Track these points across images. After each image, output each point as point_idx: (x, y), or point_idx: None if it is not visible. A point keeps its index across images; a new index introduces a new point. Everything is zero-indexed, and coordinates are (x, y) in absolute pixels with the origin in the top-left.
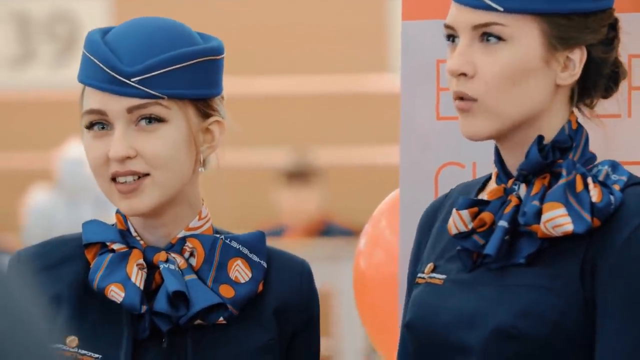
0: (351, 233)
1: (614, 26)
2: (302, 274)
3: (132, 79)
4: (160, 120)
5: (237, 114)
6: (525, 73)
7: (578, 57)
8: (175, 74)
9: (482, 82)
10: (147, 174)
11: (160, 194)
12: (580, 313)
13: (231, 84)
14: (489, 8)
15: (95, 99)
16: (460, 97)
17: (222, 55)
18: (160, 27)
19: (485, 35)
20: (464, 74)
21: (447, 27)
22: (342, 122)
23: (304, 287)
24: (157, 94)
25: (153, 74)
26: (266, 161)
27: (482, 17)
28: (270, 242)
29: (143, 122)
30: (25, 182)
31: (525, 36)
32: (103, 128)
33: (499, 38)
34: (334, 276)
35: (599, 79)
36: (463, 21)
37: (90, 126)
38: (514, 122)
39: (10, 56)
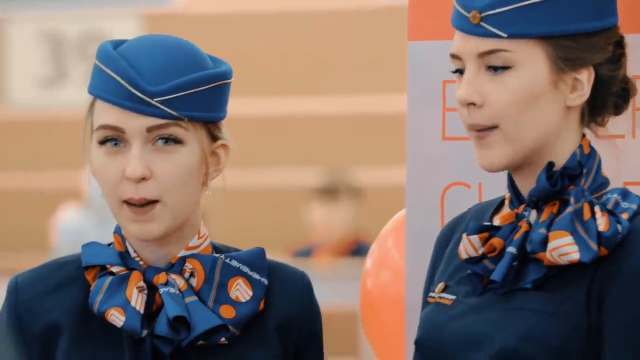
0: None
1: (620, 43)
2: (302, 286)
3: (155, 99)
4: (177, 141)
5: (271, 134)
6: (534, 98)
7: (586, 77)
8: (195, 97)
9: (493, 110)
10: (157, 201)
11: (171, 219)
12: (584, 340)
13: (265, 104)
14: (492, 35)
15: (112, 115)
16: (476, 129)
17: (231, 80)
18: (177, 47)
19: (492, 67)
20: (473, 104)
21: (453, 56)
22: (374, 142)
23: (304, 299)
24: (178, 115)
25: (176, 95)
26: (298, 181)
27: (486, 44)
28: (300, 262)
29: (160, 142)
30: (55, 202)
31: (531, 61)
32: (116, 144)
33: (506, 66)
34: None
35: (608, 98)
36: (467, 49)
37: (103, 141)
38: (529, 150)
39: (42, 76)
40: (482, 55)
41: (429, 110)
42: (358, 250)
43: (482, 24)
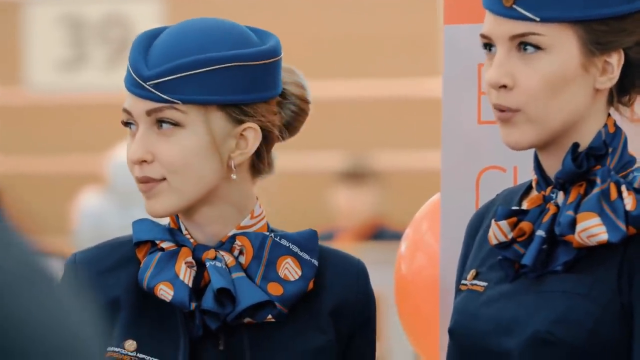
0: None
1: None
2: (358, 273)
3: (148, 83)
4: (176, 124)
5: None
6: (564, 81)
7: (616, 60)
8: (195, 79)
9: (522, 93)
10: (164, 179)
11: (177, 198)
12: (617, 320)
13: None
14: (525, 18)
15: (127, 99)
16: (500, 109)
17: (267, 60)
18: (201, 29)
19: (523, 44)
20: (504, 86)
21: (483, 36)
22: (398, 126)
23: (360, 287)
24: (170, 98)
25: (167, 78)
26: (322, 164)
27: (519, 27)
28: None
29: (163, 125)
30: (76, 185)
31: (563, 44)
32: (132, 127)
33: (537, 47)
34: (384, 280)
35: (636, 79)
36: (499, 32)
37: (126, 124)
38: (555, 130)
39: (63, 59)
40: (514, 37)
41: (464, 94)
42: (380, 234)
43: (515, 7)
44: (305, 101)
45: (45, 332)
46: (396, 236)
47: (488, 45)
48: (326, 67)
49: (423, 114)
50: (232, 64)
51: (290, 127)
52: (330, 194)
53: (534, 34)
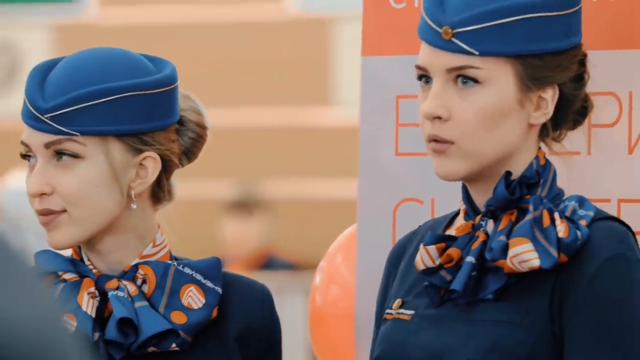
0: (294, 267)
1: (582, 62)
2: (262, 299)
3: (45, 115)
4: (75, 156)
5: None
6: (500, 115)
7: (550, 96)
8: (93, 110)
9: (457, 126)
10: (64, 210)
11: (78, 230)
12: (549, 348)
13: None
14: (464, 52)
15: (25, 132)
16: (435, 140)
17: (164, 88)
18: (97, 59)
19: (461, 77)
20: (439, 117)
21: (419, 68)
22: (287, 154)
23: (265, 312)
24: (68, 131)
25: (64, 110)
26: (210, 193)
27: (457, 60)
28: None
29: (62, 157)
30: None
31: (500, 78)
32: (32, 159)
33: (475, 81)
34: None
35: (569, 115)
36: (437, 63)
37: (24, 156)
38: (488, 163)
39: None
40: (451, 70)
41: (382, 125)
42: (269, 264)
43: (454, 40)
44: (203, 127)
45: None
46: (286, 266)
47: (423, 77)
48: (214, 94)
49: (314, 142)
50: (129, 94)
51: (189, 153)
52: (219, 222)
53: (472, 67)
